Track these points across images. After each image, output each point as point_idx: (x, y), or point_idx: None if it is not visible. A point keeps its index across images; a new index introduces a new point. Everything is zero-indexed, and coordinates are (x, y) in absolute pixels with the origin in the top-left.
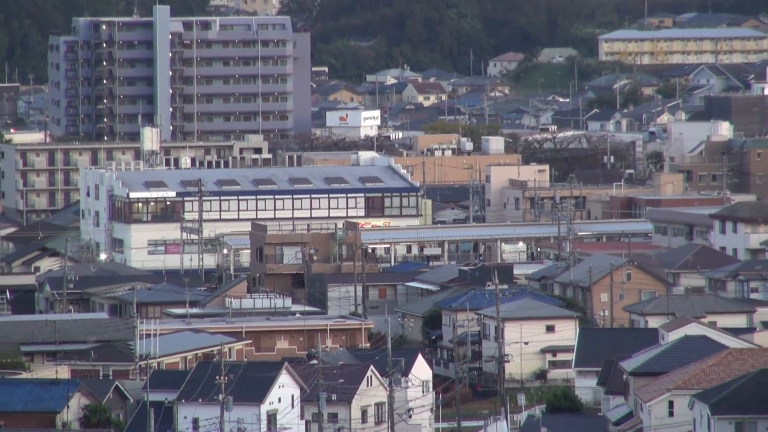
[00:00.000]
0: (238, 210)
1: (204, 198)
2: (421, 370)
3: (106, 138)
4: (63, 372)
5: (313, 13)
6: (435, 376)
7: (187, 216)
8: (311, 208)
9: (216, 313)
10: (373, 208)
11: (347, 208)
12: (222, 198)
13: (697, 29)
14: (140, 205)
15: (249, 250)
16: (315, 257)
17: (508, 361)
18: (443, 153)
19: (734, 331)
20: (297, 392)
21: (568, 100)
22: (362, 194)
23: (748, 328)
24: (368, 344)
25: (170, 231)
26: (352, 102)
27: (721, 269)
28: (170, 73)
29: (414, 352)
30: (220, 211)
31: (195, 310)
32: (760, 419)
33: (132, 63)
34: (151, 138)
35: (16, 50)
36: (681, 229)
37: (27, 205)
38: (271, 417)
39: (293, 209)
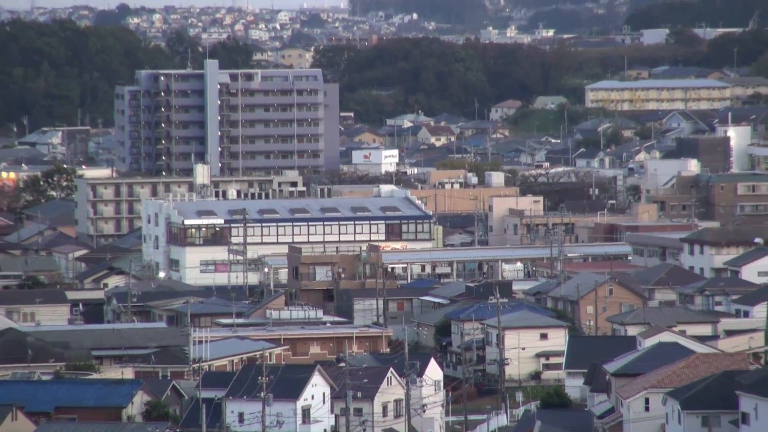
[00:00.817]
0: (277, 235)
1: (248, 225)
2: (434, 371)
3: (164, 173)
4: (128, 373)
5: (341, 67)
6: (445, 376)
7: (234, 240)
8: (339, 233)
9: (258, 323)
10: (392, 233)
11: (370, 233)
12: (263, 225)
13: (670, 80)
14: (193, 230)
15: (286, 269)
16: (343, 275)
17: (508, 364)
18: (452, 186)
19: (701, 339)
20: (327, 390)
21: (559, 141)
22: (383, 221)
23: (713, 336)
24: (388, 349)
25: (219, 253)
26: (374, 143)
27: (689, 286)
28: (219, 118)
29: (427, 356)
30: (262, 235)
31: (240, 321)
32: (723, 413)
33: (186, 109)
34: (202, 173)
35: (88, 98)
36: (656, 251)
37: (96, 231)
38: (306, 411)
39: (324, 234)
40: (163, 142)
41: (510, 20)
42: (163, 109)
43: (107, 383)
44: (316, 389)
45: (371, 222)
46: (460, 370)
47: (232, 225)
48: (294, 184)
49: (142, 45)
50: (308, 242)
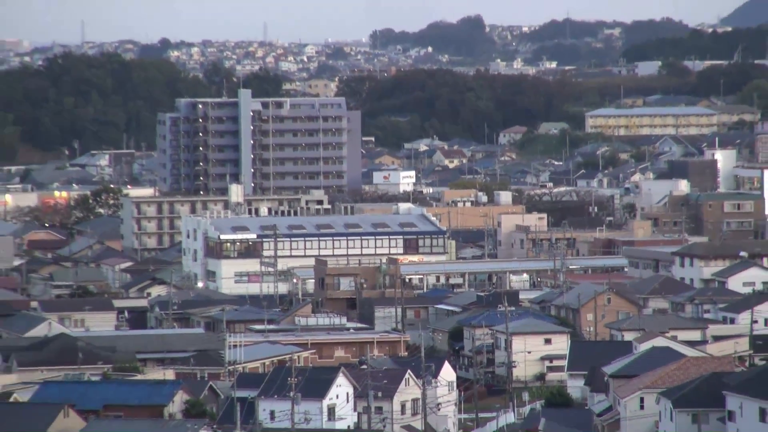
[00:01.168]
0: (305, 249)
1: (278, 239)
2: (447, 373)
3: (201, 192)
4: (169, 374)
5: (362, 95)
6: (458, 378)
7: (265, 253)
8: (361, 247)
9: (287, 329)
10: (410, 247)
11: (389, 247)
12: (292, 239)
13: (662, 108)
14: (228, 245)
15: (313, 280)
16: (364, 285)
17: (515, 366)
18: (464, 204)
19: (691, 343)
20: (351, 390)
21: (561, 163)
22: (401, 236)
23: (702, 341)
24: (406, 353)
25: (252, 265)
26: (393, 165)
27: (680, 295)
28: (251, 142)
29: (441, 359)
30: (291, 249)
31: (271, 327)
32: (711, 411)
33: (222, 134)
34: (236, 192)
35: (132, 124)
36: (649, 263)
37: (140, 245)
38: (331, 410)
39: (347, 248)
40: (201, 164)
41: (516, 53)
42: (200, 134)
43: (150, 383)
44: (341, 389)
45: (390, 237)
46: (471, 372)
47: (264, 240)
48: (320, 202)
49: (182, 76)
50: (333, 255)
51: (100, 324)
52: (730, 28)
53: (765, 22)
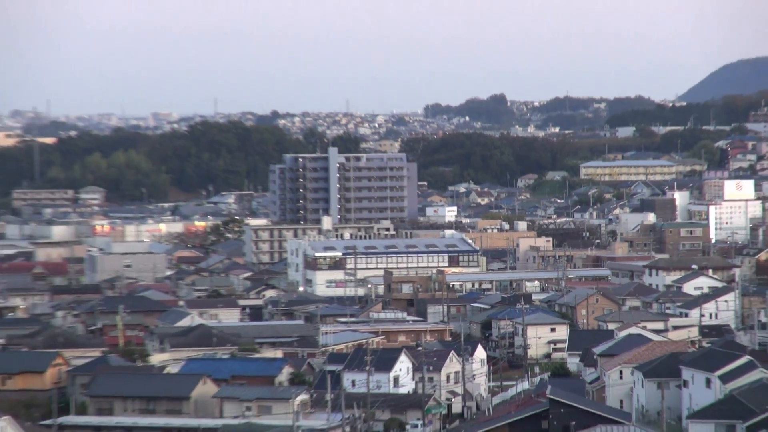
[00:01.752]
0: (376, 263)
1: (357, 256)
2: (480, 353)
3: (301, 222)
4: (278, 354)
5: (418, 152)
6: (488, 356)
7: (348, 266)
8: (418, 262)
9: (364, 321)
10: (452, 262)
11: (438, 262)
12: (367, 256)
13: (635, 161)
14: (321, 260)
15: (383, 285)
16: (420, 290)
17: (529, 348)
18: (492, 231)
19: (657, 332)
20: (410, 365)
21: (562, 201)
22: (446, 254)
23: (665, 330)
24: (450, 338)
25: (338, 275)
26: (440, 202)
27: (649, 296)
28: (337, 185)
29: (476, 343)
30: (366, 263)
31: (352, 319)
32: (671, 380)
33: (316, 180)
34: (327, 222)
35: (251, 173)
36: (626, 273)
37: (257, 260)
38: (396, 379)
39: (407, 262)
40: (301, 201)
41: (530, 121)
42: (300, 180)
43: (265, 360)
44: (403, 364)
45: (438, 254)
46: (497, 352)
47: (347, 256)
48: (387, 229)
49: (287, 138)
50: (397, 268)
51: (228, 317)
52: (684, 103)
53: (710, 99)
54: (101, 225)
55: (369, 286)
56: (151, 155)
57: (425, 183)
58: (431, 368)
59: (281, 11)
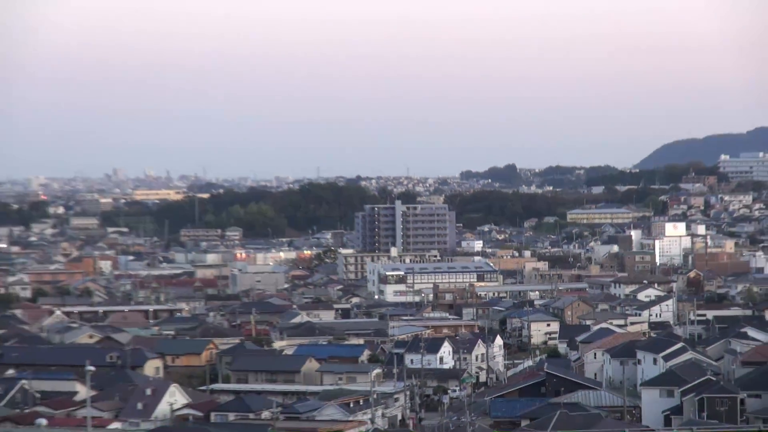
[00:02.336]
0: (427, 279)
1: (415, 274)
2: (498, 341)
3: (376, 251)
4: (360, 341)
5: (456, 203)
6: (504, 343)
7: (408, 281)
8: (456, 279)
9: (420, 318)
10: (480, 278)
11: (470, 278)
12: (421, 274)
13: (604, 210)
14: (390, 277)
15: (432, 294)
16: (457, 297)
17: (532, 337)
18: (507, 257)
19: (620, 326)
20: (451, 349)
21: (555, 236)
22: (475, 273)
23: (624, 325)
24: (478, 331)
25: (401, 287)
26: (471, 238)
27: (614, 302)
28: (401, 226)
29: (495, 334)
30: (420, 279)
31: (411, 318)
32: (629, 359)
33: (386, 223)
34: (394, 251)
35: (343, 218)
36: (599, 286)
37: (347, 277)
38: (441, 358)
39: (449, 279)
40: (376, 237)
41: (532, 182)
42: (376, 222)
43: (351, 346)
44: (446, 348)
45: (470, 273)
46: (510, 340)
47: (407, 274)
48: (435, 255)
49: (367, 193)
50: (441, 282)
51: (326, 316)
52: (638, 170)
53: (655, 167)
54: (240, 253)
55: (422, 295)
56: (274, 205)
57: (461, 224)
58: (465, 351)
59: (356, 102)
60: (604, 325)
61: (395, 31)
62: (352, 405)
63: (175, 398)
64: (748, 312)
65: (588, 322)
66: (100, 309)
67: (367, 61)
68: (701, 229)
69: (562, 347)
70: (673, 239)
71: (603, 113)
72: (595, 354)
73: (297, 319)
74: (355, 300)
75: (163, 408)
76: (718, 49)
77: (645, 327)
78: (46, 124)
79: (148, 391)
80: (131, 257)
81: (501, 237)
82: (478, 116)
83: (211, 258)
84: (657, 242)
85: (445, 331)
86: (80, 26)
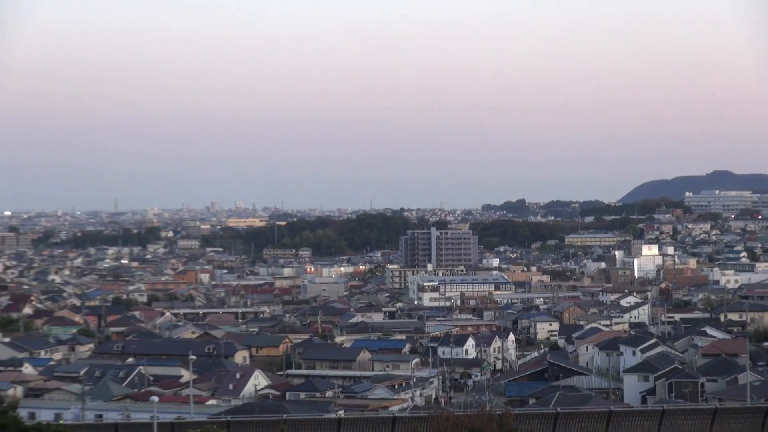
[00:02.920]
0: (456, 289)
1: (446, 284)
2: (511, 337)
3: (416, 267)
4: (403, 337)
5: (478, 229)
6: (516, 339)
7: (441, 290)
8: (478, 288)
9: (450, 320)
10: (497, 288)
11: (489, 288)
12: (451, 285)
13: (594, 235)
14: (426, 286)
15: (459, 300)
16: (479, 303)
17: (537, 334)
18: (518, 272)
19: (606, 326)
20: (474, 343)
21: (555, 256)
22: (493, 284)
23: (610, 325)
24: (495, 329)
25: (436, 295)
26: (490, 256)
27: (602, 307)
28: (435, 247)
29: (509, 331)
30: (451, 289)
31: (443, 319)
32: (614, 352)
33: (424, 245)
34: (430, 267)
35: (390, 241)
36: (590, 295)
37: (392, 287)
38: (466, 350)
39: (473, 288)
40: (416, 256)
41: (538, 213)
42: (416, 244)
43: (396, 340)
44: (470, 342)
45: (489, 284)
46: (521, 336)
47: (440, 285)
48: (461, 270)
49: (409, 221)
50: (467, 291)
51: (377, 317)
52: (621, 204)
53: (633, 201)
54: (310, 268)
55: (451, 301)
56: (336, 231)
57: (482, 246)
58: (485, 345)
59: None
60: (594, 324)
61: (431, 86)
62: (396, 387)
63: (258, 380)
64: (707, 315)
65: (581, 323)
66: (201, 311)
67: (408, 113)
68: (670, 250)
69: (561, 342)
70: (648, 258)
71: (594, 157)
72: (587, 347)
73: (354, 320)
74: (399, 304)
75: (249, 388)
76: (685, 109)
77: (626, 327)
78: (159, 169)
79: (237, 375)
80: (225, 271)
81: (513, 256)
82: (496, 158)
83: (287, 272)
84: (635, 260)
85: (469, 329)
86: (187, 90)
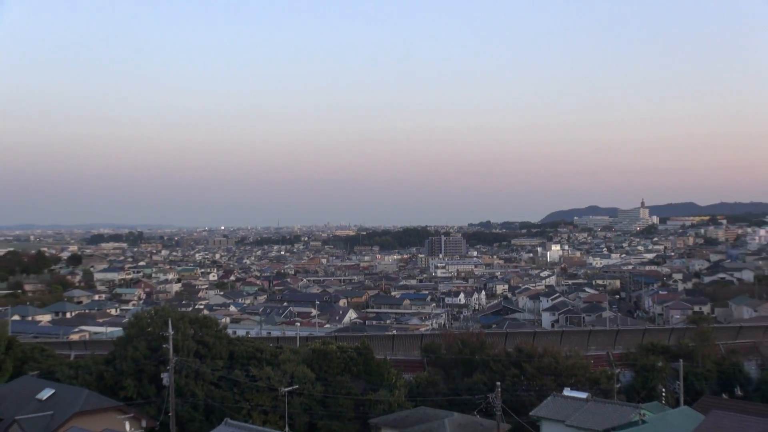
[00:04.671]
0: (454, 267)
1: (449, 265)
2: (483, 292)
3: (432, 256)
4: (426, 291)
5: (466, 236)
6: (486, 294)
7: (446, 267)
8: (466, 266)
9: (452, 283)
10: (476, 267)
11: (472, 267)
12: (451, 264)
13: (526, 239)
14: (438, 265)
15: (456, 273)
16: (466, 275)
17: (496, 291)
18: (487, 258)
19: (533, 286)
20: (463, 295)
21: (506, 250)
22: (474, 264)
23: (535, 286)
24: (474, 288)
25: (444, 270)
26: (473, 251)
27: (531, 276)
28: (443, 246)
29: (481, 289)
30: (451, 267)
31: (448, 282)
32: (537, 299)
33: (437, 244)
34: (441, 256)
35: (419, 242)
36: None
37: (421, 266)
38: (460, 299)
39: (463, 267)
40: (433, 250)
41: (496, 228)
42: (433, 244)
43: (423, 293)
44: (462, 295)
45: (471, 264)
46: (488, 292)
47: (446, 264)
48: (456, 257)
49: (430, 232)
50: (460, 268)
51: (412, 282)
52: (541, 222)
53: (548, 221)
54: (378, 256)
55: (452, 273)
56: (392, 237)
57: (468, 245)
58: (469, 296)
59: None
60: (526, 286)
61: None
62: (423, 318)
63: (351, 315)
64: (586, 281)
65: (520, 285)
66: (322, 278)
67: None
68: (566, 247)
69: (509, 295)
70: (555, 251)
71: (528, 195)
72: (523, 297)
73: (401, 283)
74: (424, 275)
75: (346, 319)
76: (580, 166)
77: (543, 287)
78: (302, 196)
79: (340, 312)
80: (334, 257)
81: (484, 250)
82: (478, 195)
83: (366, 258)
84: (548, 252)
85: (461, 288)
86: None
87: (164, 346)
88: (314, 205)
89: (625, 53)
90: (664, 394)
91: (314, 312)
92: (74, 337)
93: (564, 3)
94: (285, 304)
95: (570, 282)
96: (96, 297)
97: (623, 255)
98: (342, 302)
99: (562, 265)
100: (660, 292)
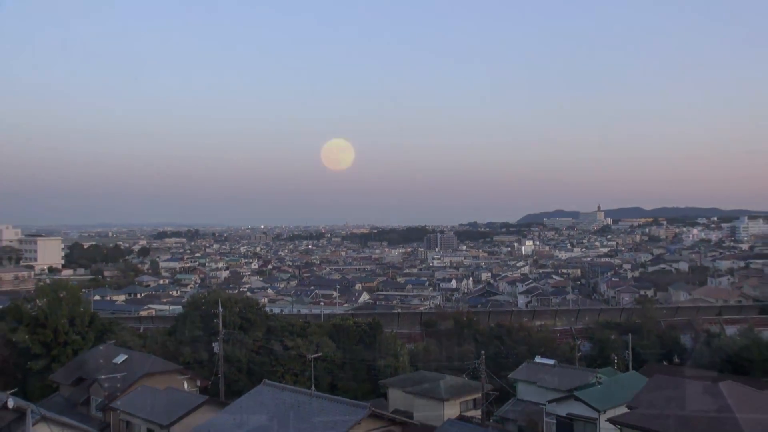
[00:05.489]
0: (448, 258)
1: (443, 256)
2: (471, 279)
3: (430, 249)
4: (425, 278)
5: (457, 234)
6: (473, 280)
7: (441, 259)
8: (458, 258)
9: (446, 271)
10: (465, 258)
11: (462, 258)
12: (445, 256)
13: (505, 236)
14: (435, 257)
15: (449, 263)
16: (458, 264)
17: (481, 277)
18: (474, 252)
19: (510, 273)
20: (455, 281)
21: (489, 246)
22: (463, 256)
23: (512, 273)
24: (463, 275)
25: (440, 261)
26: (462, 245)
27: (509, 266)
28: (439, 241)
29: (469, 276)
30: (445, 258)
31: (443, 270)
32: (514, 284)
33: (434, 240)
34: (437, 250)
35: (420, 238)
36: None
37: (421, 257)
38: (452, 284)
39: (456, 258)
40: (431, 244)
41: (481, 227)
42: (431, 240)
43: (422, 279)
44: (453, 280)
45: (461, 257)
46: (475, 278)
47: (441, 256)
48: (449, 251)
49: (428, 230)
50: (452, 259)
51: (413, 270)
52: (518, 223)
53: (524, 222)
54: (386, 249)
55: (445, 263)
56: (398, 235)
57: (459, 241)
58: (459, 281)
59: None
60: (506, 273)
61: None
62: (422, 300)
63: (365, 296)
64: (553, 270)
65: (500, 273)
66: (342, 267)
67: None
68: (538, 243)
69: (492, 281)
70: (529, 246)
71: (507, 198)
72: (503, 282)
73: (405, 271)
74: (423, 265)
75: (361, 299)
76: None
77: (519, 274)
78: (324, 199)
79: (356, 293)
80: (351, 250)
81: (472, 245)
82: (467, 198)
83: (377, 251)
84: (523, 247)
85: (452, 274)
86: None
87: (215, 320)
88: (335, 207)
89: (582, 85)
90: (616, 361)
91: (335, 294)
92: (143, 313)
93: (517, 13)
94: (312, 287)
95: (540, 271)
96: (161, 281)
97: (583, 249)
98: (357, 286)
99: (534, 258)
100: (613, 279)
